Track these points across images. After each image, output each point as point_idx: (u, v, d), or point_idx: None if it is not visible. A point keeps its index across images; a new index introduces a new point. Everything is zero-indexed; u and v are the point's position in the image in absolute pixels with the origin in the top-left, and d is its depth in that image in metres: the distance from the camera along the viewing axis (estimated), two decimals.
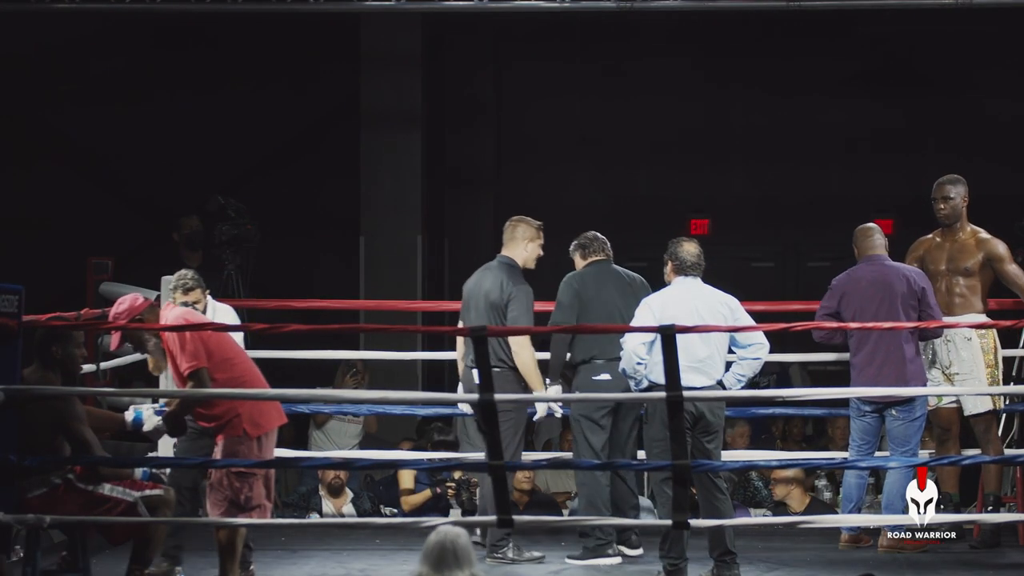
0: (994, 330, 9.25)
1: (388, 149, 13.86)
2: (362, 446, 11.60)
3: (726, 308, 8.33)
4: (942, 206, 9.40)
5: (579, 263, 9.22)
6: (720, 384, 8.30)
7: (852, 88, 15.25)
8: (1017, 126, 14.67)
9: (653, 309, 8.29)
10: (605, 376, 8.90)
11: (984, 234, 9.39)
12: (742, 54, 15.22)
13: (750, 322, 8.33)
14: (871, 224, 9.29)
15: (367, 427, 11.88)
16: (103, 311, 8.98)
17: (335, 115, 14.84)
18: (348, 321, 11.00)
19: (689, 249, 8.44)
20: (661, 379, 7.75)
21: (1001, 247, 9.35)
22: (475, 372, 9.03)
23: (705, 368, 8.25)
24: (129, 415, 8.07)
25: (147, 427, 8.03)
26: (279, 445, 8.61)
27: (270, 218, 12.46)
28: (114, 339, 8.19)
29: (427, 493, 10.74)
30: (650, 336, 8.13)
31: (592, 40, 15.17)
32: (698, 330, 8.05)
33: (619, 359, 8.43)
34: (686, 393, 7.63)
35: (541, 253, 9.27)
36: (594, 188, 15.43)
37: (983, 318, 9.23)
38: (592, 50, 15.35)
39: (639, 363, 8.20)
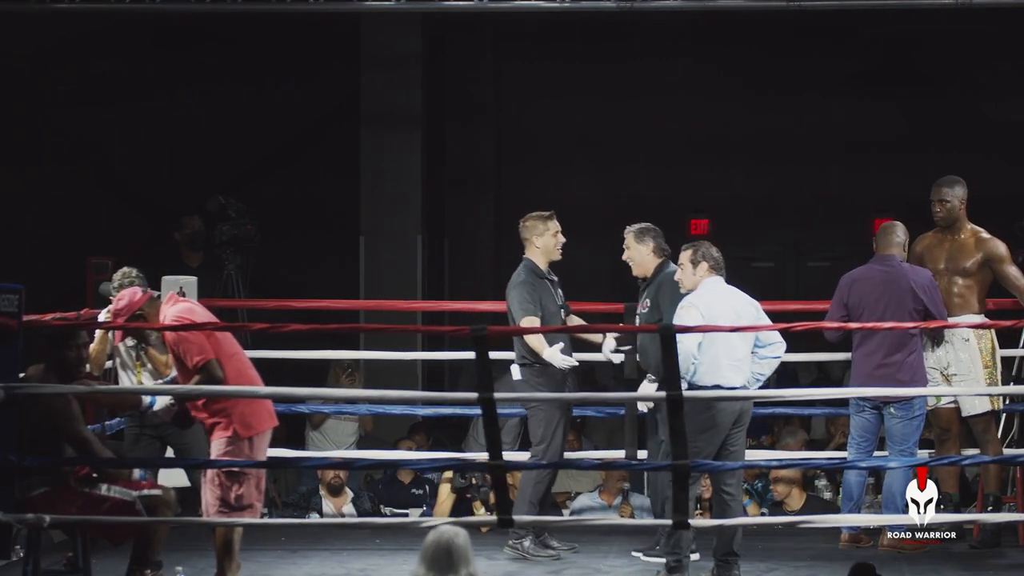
0: (992, 331, 9.25)
1: (388, 149, 13.85)
2: (359, 445, 11.59)
3: (754, 308, 8.53)
4: (938, 209, 9.41)
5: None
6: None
7: (852, 88, 15.25)
8: (1017, 126, 14.67)
9: (699, 308, 8.38)
10: None
11: (984, 234, 9.38)
12: (742, 54, 15.22)
13: (769, 322, 8.52)
14: (894, 222, 9.26)
15: (363, 426, 11.87)
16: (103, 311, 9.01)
17: (335, 115, 14.84)
18: (348, 321, 10.99)
19: (714, 251, 8.58)
20: (704, 379, 8.24)
21: (1001, 247, 9.34)
22: (513, 368, 9.11)
23: (742, 367, 8.40)
24: (145, 399, 8.08)
25: (157, 406, 8.03)
26: (275, 445, 8.61)
27: (270, 218, 12.45)
28: (117, 334, 8.18)
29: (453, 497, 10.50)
30: (700, 337, 8.23)
31: (592, 40, 15.16)
32: (700, 330, 8.16)
33: None
34: (686, 393, 7.71)
35: (561, 239, 9.23)
36: (594, 188, 15.43)
37: (981, 318, 9.23)
38: (592, 50, 15.35)
39: (693, 362, 8.31)
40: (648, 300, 8.98)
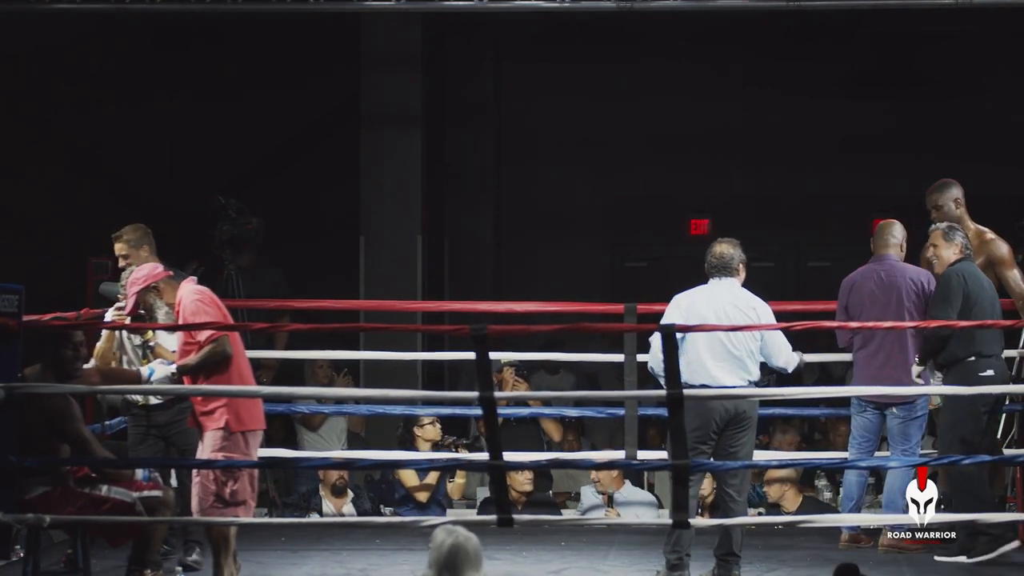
0: None
1: (388, 149, 13.84)
2: (348, 444, 11.61)
3: (753, 312, 8.38)
4: (934, 215, 9.41)
5: (952, 254, 8.93)
6: (753, 385, 8.37)
7: (852, 88, 15.25)
8: (1017, 126, 14.67)
9: (681, 307, 8.35)
10: (990, 372, 8.78)
11: (990, 235, 9.33)
12: (742, 54, 15.22)
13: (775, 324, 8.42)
14: (891, 221, 9.25)
15: (351, 426, 11.87)
16: (103, 311, 9.02)
17: (335, 115, 14.83)
18: (348, 321, 10.99)
19: (714, 250, 8.52)
20: (691, 378, 8.12)
21: (1003, 249, 9.29)
22: None
23: (735, 368, 8.29)
24: (144, 371, 8.10)
25: (156, 376, 8.03)
26: (271, 444, 8.61)
27: (270, 218, 12.46)
28: (129, 304, 8.19)
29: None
30: (679, 336, 8.18)
31: (592, 40, 15.16)
32: (689, 330, 8.13)
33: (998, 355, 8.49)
34: (687, 392, 7.72)
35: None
36: (594, 188, 15.42)
37: None
38: (592, 50, 15.34)
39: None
40: None
